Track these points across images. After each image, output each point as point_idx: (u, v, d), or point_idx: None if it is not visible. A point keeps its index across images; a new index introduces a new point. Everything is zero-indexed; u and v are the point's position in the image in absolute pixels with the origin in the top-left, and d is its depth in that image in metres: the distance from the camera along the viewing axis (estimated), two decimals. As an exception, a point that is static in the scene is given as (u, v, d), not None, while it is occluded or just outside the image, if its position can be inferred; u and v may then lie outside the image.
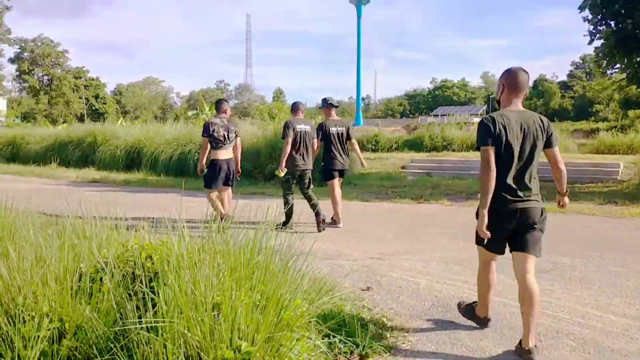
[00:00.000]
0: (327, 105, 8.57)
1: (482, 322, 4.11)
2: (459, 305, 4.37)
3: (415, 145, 22.34)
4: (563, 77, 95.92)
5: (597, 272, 5.87)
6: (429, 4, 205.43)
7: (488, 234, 3.58)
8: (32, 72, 68.41)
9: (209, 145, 7.90)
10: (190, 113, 28.66)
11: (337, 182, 8.41)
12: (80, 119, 63.97)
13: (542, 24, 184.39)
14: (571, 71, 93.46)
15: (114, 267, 3.83)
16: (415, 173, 16.45)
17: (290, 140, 7.76)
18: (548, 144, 3.71)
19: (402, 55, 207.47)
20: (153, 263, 3.90)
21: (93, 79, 79.08)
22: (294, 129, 7.82)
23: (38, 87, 68.38)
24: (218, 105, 8.27)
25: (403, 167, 17.70)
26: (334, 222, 8.51)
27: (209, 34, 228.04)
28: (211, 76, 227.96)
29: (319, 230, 7.93)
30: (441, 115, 62.77)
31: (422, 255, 6.55)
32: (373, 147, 23.38)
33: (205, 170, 7.95)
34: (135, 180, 16.00)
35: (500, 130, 3.55)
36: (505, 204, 3.59)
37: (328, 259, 6.32)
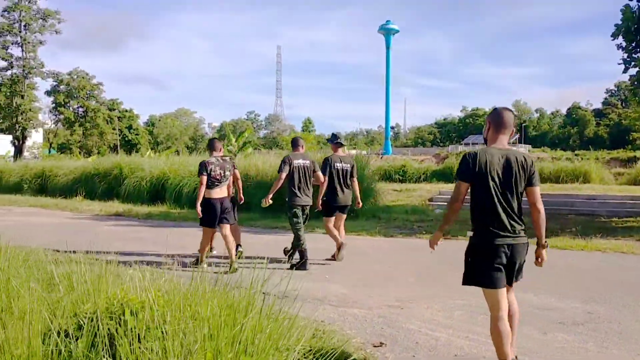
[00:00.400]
0: (335, 142, 8.55)
1: None
2: None
3: (444, 175, 21.82)
4: (598, 105, 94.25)
5: (638, 322, 5.30)
6: (459, 32, 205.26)
7: (434, 249, 4.14)
8: (68, 104, 69.76)
9: (205, 183, 7.74)
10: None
11: (333, 219, 8.42)
12: (114, 149, 64.81)
13: (575, 51, 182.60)
14: (606, 98, 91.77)
15: (98, 322, 3.49)
16: (443, 206, 15.87)
17: (283, 175, 7.90)
18: (529, 182, 3.79)
19: (432, 84, 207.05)
20: (136, 322, 3.54)
21: (127, 111, 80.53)
22: (290, 165, 7.92)
23: (73, 119, 69.62)
24: (211, 144, 8.20)
25: (430, 200, 17.17)
26: (334, 258, 8.50)
27: (240, 65, 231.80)
28: (242, 107, 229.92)
29: (294, 268, 7.60)
30: (472, 144, 62.02)
31: (444, 302, 6.05)
32: (400, 178, 22.90)
33: (199, 209, 7.78)
34: (158, 214, 15.80)
35: (481, 166, 3.68)
36: (494, 239, 3.69)
37: (341, 306, 5.87)
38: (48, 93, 68.22)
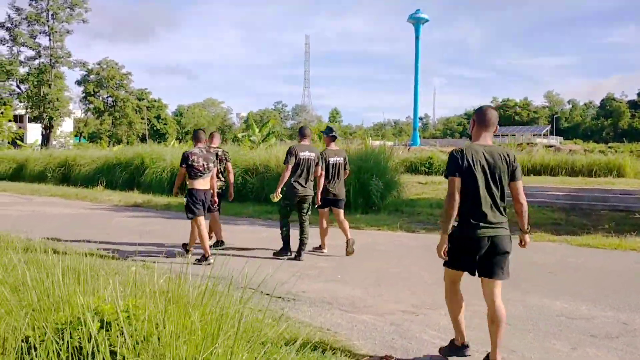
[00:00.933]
0: (330, 135, 8.60)
1: (462, 350, 4.18)
2: (440, 350, 4.34)
3: (472, 168, 21.07)
4: (633, 96, 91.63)
5: (681, 337, 4.76)
6: (490, 21, 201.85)
7: (445, 257, 4.02)
8: (97, 93, 70.36)
9: (184, 175, 7.85)
10: (240, 135, 28.28)
11: (327, 211, 8.48)
12: (143, 139, 65.24)
13: (610, 41, 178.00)
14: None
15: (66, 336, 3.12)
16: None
17: (290, 167, 7.86)
18: (512, 177, 3.98)
19: (462, 74, 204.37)
20: (109, 336, 3.15)
21: (155, 100, 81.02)
22: (296, 156, 7.89)
23: (102, 109, 70.23)
24: (196, 135, 8.14)
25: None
26: (320, 248, 8.65)
27: (268, 55, 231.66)
28: (270, 97, 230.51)
29: (296, 258, 7.95)
30: (502, 136, 60.84)
31: (464, 309, 5.57)
32: (426, 170, 22.28)
33: (185, 200, 7.90)
34: (176, 205, 15.50)
35: (468, 162, 3.85)
36: (475, 231, 3.86)
37: (351, 311, 5.43)
38: (78, 83, 68.87)
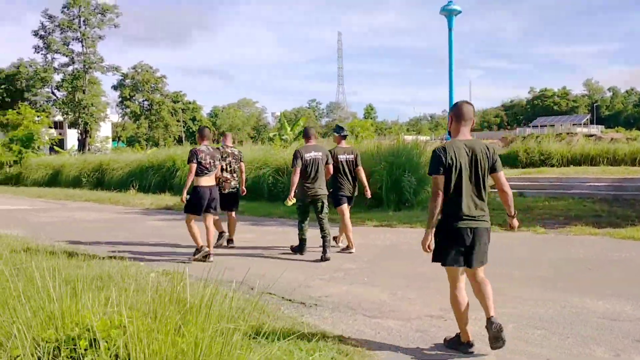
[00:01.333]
0: (340, 134, 8.70)
1: (466, 347, 4.21)
2: (444, 340, 4.43)
3: (508, 160, 20.50)
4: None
5: None
6: (525, 10, 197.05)
7: (429, 251, 4.13)
8: (133, 98, 71.36)
9: (194, 172, 7.84)
10: (272, 134, 28.18)
11: (346, 207, 8.43)
12: (179, 141, 65.90)
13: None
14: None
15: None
16: (505, 193, 14.77)
17: (298, 170, 7.87)
18: (493, 169, 4.14)
19: (498, 65, 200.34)
20: (98, 355, 2.93)
21: (190, 103, 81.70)
22: (302, 158, 7.90)
23: (139, 112, 71.20)
24: (202, 132, 8.20)
25: (491, 187, 16.05)
26: (347, 248, 8.47)
27: (302, 53, 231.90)
28: (304, 95, 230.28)
29: (322, 259, 7.74)
30: (540, 126, 59.48)
31: (497, 312, 5.20)
32: (461, 164, 21.78)
33: (188, 196, 7.91)
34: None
35: (451, 159, 3.99)
36: (460, 223, 4.03)
37: (375, 316, 5.12)
38: (114, 87, 69.97)
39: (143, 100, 73.18)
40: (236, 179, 9.15)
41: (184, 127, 75.97)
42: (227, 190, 8.94)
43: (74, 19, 50.19)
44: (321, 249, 7.84)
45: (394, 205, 13.40)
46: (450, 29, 39.43)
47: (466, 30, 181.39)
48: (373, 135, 32.12)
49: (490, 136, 54.92)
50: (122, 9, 51.50)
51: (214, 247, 8.20)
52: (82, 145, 50.39)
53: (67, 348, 3.08)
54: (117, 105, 71.53)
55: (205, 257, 7.72)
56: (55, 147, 41.77)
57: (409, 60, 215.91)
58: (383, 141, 17.98)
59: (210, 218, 7.97)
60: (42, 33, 50.91)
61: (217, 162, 7.98)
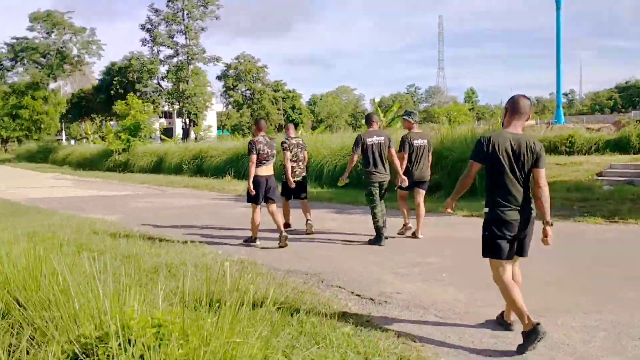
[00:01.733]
0: (411, 119, 8.60)
1: (536, 329, 3.93)
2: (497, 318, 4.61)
3: (620, 145, 18.89)
4: None
5: None
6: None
7: (451, 211, 4.66)
8: (236, 87, 73.38)
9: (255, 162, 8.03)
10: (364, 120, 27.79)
11: (407, 193, 8.53)
12: (279, 129, 67.08)
13: None
14: None
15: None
16: (613, 181, 13.53)
17: (356, 155, 8.00)
18: (535, 164, 4.12)
19: (612, 45, 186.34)
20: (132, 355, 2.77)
21: (290, 91, 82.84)
22: (363, 144, 7.95)
23: (241, 102, 73.15)
24: (258, 124, 8.34)
25: (599, 174, 14.78)
26: (409, 231, 8.63)
27: (401, 39, 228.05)
28: (403, 81, 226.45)
29: (374, 243, 7.93)
30: (661, 112, 54.84)
31: (586, 317, 4.63)
32: (567, 150, 20.34)
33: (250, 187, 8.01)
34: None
35: (493, 148, 4.08)
36: (504, 214, 4.11)
37: (447, 318, 4.70)
38: (218, 78, 72.23)
39: (245, 90, 75.03)
40: (302, 167, 9.39)
41: (284, 115, 77.21)
42: (295, 179, 9.12)
43: (177, 12, 52.27)
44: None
45: (469, 194, 12.65)
46: (558, 8, 37.01)
47: (577, 9, 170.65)
48: (470, 120, 30.89)
49: (602, 120, 51.32)
50: (228, 2, 53.04)
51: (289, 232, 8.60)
52: (186, 133, 52.49)
53: (104, 346, 2.95)
54: (222, 95, 73.89)
55: (283, 240, 7.89)
56: (162, 136, 43.80)
57: (514, 43, 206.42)
58: (481, 126, 17.12)
59: (273, 205, 8.10)
60: (149, 27, 53.50)
61: (274, 152, 8.10)
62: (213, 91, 63.24)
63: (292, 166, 9.12)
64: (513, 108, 4.21)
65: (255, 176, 7.90)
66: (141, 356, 2.83)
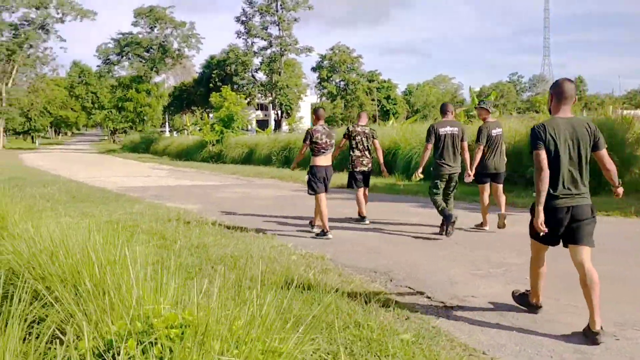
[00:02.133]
0: (487, 108, 8.34)
1: (534, 308, 4.45)
2: (513, 293, 4.72)
3: None
4: None
5: None
6: None
7: (544, 229, 4.01)
8: (331, 78, 73.56)
9: (305, 151, 8.22)
10: (458, 110, 26.75)
11: (487, 186, 8.21)
12: (373, 120, 66.62)
13: None
14: None
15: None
16: None
17: (430, 146, 7.77)
18: (595, 147, 4.07)
19: None
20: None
21: (384, 81, 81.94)
22: (436, 134, 7.73)
23: (335, 93, 73.25)
24: (316, 113, 8.25)
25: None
26: (481, 225, 8.36)
27: (503, 26, 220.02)
28: (505, 69, 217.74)
29: (441, 233, 7.78)
30: None
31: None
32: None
33: (307, 177, 8.12)
34: (383, 186, 14.94)
35: (550, 136, 4.01)
36: (559, 201, 4.00)
37: (525, 328, 4.16)
38: (313, 69, 72.75)
39: (340, 81, 75.10)
40: (368, 157, 9.15)
41: (378, 105, 76.50)
42: (359, 169, 9.03)
43: (271, 3, 52.95)
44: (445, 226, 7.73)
45: (592, 189, 11.66)
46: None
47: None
48: (579, 111, 28.92)
49: None
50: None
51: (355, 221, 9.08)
52: (278, 125, 53.15)
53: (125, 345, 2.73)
54: (316, 87, 74.36)
55: (325, 234, 7.86)
56: (256, 128, 44.53)
57: (630, 28, 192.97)
58: (583, 117, 15.85)
59: (322, 196, 7.99)
60: (243, 19, 54.57)
61: (333, 141, 8.03)
62: (308, 83, 63.72)
63: (357, 155, 9.03)
64: (559, 93, 4.12)
65: (315, 166, 7.92)
66: (160, 359, 2.58)
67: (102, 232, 5.00)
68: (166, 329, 2.69)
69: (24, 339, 2.86)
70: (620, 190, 4.34)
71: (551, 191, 3.99)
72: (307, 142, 7.94)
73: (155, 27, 59.41)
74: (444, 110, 8.09)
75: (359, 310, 4.35)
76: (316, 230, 8.11)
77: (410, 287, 5.30)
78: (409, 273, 5.80)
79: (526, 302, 4.53)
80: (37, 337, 2.87)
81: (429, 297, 4.99)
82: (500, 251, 6.78)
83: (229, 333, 2.74)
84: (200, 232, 7.57)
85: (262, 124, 56.12)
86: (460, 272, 5.80)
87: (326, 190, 8.05)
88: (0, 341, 2.63)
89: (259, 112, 71.94)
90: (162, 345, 2.57)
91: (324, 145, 7.89)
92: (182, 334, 2.69)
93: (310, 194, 8.05)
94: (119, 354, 2.57)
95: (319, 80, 76.64)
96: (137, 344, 2.55)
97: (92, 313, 3.15)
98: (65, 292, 3.42)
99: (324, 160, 7.96)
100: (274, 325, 2.94)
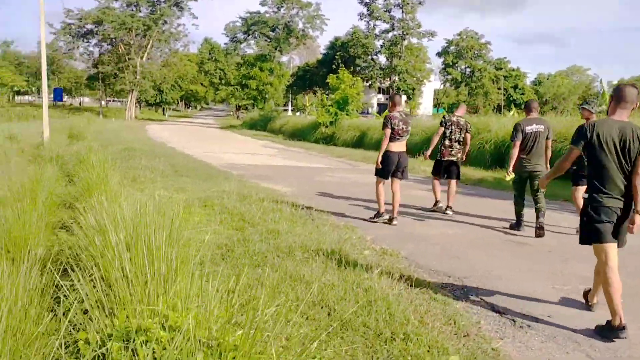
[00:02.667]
0: (590, 109, 7.54)
1: (618, 332, 3.94)
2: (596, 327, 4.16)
3: None
4: None
5: None
6: None
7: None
8: (456, 65, 71.45)
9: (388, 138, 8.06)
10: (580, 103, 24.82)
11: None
12: (498, 109, 64.06)
13: None
14: None
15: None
16: None
17: (517, 143, 7.60)
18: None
19: None
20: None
21: (513, 70, 78.26)
22: (522, 131, 7.59)
23: (459, 79, 71.10)
24: (393, 99, 8.28)
25: None
26: None
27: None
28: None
29: (537, 231, 7.37)
30: None
31: None
32: None
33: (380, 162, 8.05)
34: (491, 181, 14.14)
35: (597, 135, 4.10)
36: (604, 201, 4.06)
37: (583, 345, 3.60)
38: (439, 55, 71.06)
39: (465, 67, 72.82)
40: (458, 147, 9.16)
41: (504, 94, 73.22)
42: (446, 158, 9.12)
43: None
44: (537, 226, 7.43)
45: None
46: None
47: None
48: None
49: None
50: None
51: (430, 211, 9.16)
52: (395, 110, 52.52)
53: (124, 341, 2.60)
54: (440, 72, 72.63)
55: (390, 221, 8.00)
56: (375, 112, 44.25)
57: None
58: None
59: (397, 183, 8.10)
60: (367, 0, 54.01)
61: (409, 129, 8.04)
62: (432, 68, 62.21)
63: (447, 145, 9.08)
64: (618, 97, 4.20)
65: (388, 151, 7.94)
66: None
67: (181, 210, 4.99)
68: (154, 330, 2.52)
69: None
70: (637, 219, 3.99)
71: (601, 191, 4.08)
72: (388, 127, 7.90)
73: (282, 6, 60.32)
74: (529, 107, 7.96)
75: (414, 321, 3.98)
76: (385, 217, 8.15)
77: (482, 298, 4.83)
78: (483, 282, 5.30)
79: (611, 329, 4.02)
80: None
81: (500, 313, 4.50)
82: (592, 263, 6.04)
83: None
84: (280, 217, 7.46)
85: (384, 108, 55.58)
86: (542, 286, 5.21)
87: (403, 177, 8.12)
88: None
89: (380, 95, 71.42)
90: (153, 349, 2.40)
91: (399, 132, 7.90)
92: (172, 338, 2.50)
93: (377, 175, 8.15)
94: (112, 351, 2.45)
95: (443, 65, 74.67)
96: (123, 342, 2.40)
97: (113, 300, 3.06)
98: (96, 273, 3.38)
99: (399, 146, 7.98)
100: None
